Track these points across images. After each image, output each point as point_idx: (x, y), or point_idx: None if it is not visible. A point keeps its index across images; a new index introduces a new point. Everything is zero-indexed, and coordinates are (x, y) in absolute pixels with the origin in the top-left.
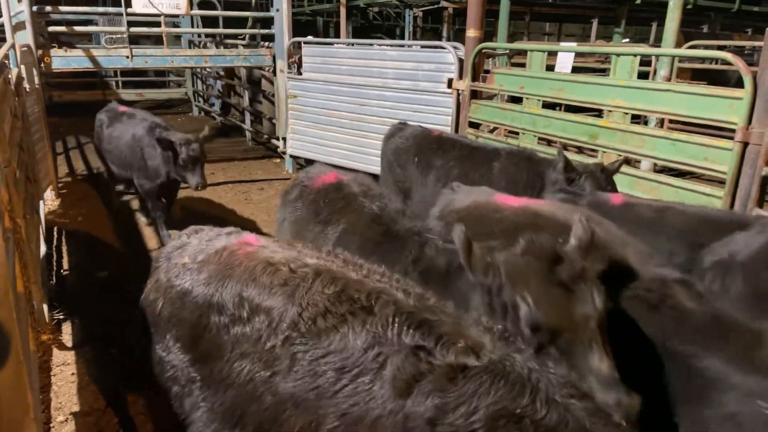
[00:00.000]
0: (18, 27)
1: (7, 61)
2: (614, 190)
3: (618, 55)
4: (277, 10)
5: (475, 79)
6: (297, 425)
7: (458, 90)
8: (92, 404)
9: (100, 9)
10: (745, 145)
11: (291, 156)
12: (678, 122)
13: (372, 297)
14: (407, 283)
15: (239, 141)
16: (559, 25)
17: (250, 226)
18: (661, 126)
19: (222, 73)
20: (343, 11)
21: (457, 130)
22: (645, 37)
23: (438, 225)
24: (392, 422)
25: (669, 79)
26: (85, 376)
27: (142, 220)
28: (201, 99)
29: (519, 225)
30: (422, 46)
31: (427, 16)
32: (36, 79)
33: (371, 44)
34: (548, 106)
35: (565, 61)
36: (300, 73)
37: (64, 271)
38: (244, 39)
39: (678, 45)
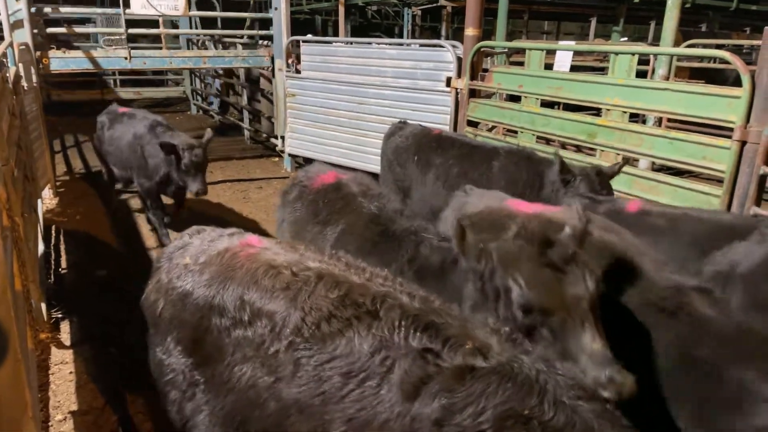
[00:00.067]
0: (16, 25)
1: (4, 60)
2: (610, 193)
3: (616, 53)
4: (276, 9)
5: (473, 77)
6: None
7: (457, 88)
8: (91, 403)
9: (99, 10)
10: (743, 143)
11: (289, 155)
12: (676, 121)
13: (377, 301)
14: (410, 286)
15: (238, 140)
16: (558, 23)
17: (248, 224)
18: (660, 125)
19: (220, 71)
20: (341, 10)
21: (455, 129)
22: (643, 36)
23: (449, 229)
24: (400, 425)
25: (667, 78)
26: (83, 374)
27: (140, 218)
28: (199, 97)
29: None
30: (421, 45)
31: (426, 15)
32: (34, 78)
33: (370, 43)
34: (547, 104)
35: (563, 60)
36: (298, 72)
37: (63, 269)
38: (242, 37)
39: (676, 44)
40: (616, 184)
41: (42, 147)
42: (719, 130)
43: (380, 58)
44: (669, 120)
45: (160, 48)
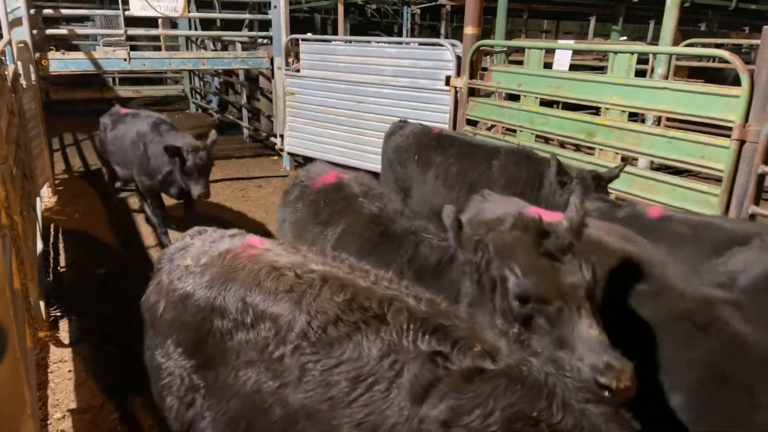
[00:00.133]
0: (14, 23)
1: (3, 58)
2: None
3: (615, 52)
4: (275, 7)
5: (472, 76)
6: None
7: (456, 87)
8: (89, 401)
9: (98, 11)
10: (742, 142)
11: (288, 153)
12: (675, 120)
13: (384, 304)
14: (416, 288)
15: (237, 138)
16: (557, 22)
17: (247, 223)
18: (659, 124)
19: (220, 71)
20: (340, 8)
21: (454, 128)
22: (642, 35)
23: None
24: (408, 428)
25: (666, 77)
26: (82, 373)
27: (139, 217)
28: (198, 96)
29: None
30: (420, 44)
31: (425, 14)
32: (33, 76)
33: (369, 41)
34: (546, 103)
35: (562, 59)
36: (297, 71)
37: (61, 268)
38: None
39: (675, 43)
40: (615, 183)
41: (41, 145)
42: (718, 129)
43: (379, 57)
44: (668, 119)
45: (159, 47)
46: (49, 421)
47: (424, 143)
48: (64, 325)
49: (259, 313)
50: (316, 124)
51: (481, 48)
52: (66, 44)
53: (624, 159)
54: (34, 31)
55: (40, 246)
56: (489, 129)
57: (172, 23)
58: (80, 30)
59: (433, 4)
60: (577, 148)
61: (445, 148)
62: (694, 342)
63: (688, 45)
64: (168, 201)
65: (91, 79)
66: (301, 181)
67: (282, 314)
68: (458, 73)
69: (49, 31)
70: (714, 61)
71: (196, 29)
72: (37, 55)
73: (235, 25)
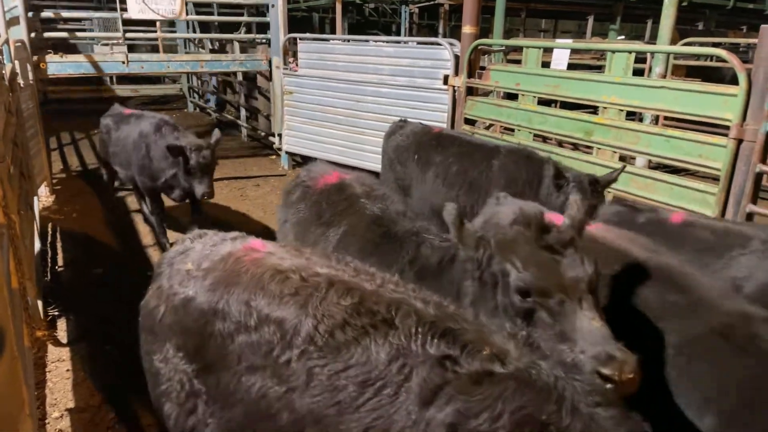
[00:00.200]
0: (12, 22)
1: (0, 57)
2: (602, 201)
3: (613, 52)
4: (273, 6)
5: (471, 75)
6: None
7: (454, 86)
8: (87, 400)
9: (96, 14)
10: (740, 141)
11: (287, 152)
12: (673, 119)
13: (392, 308)
14: (424, 292)
15: (235, 137)
16: (555, 21)
17: (246, 222)
18: (656, 123)
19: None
20: (339, 7)
21: (453, 127)
22: (640, 34)
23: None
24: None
25: (664, 76)
26: (80, 372)
27: (137, 216)
28: (196, 95)
29: None
30: (418, 43)
31: (423, 13)
32: (30, 75)
33: (367, 41)
34: (544, 102)
35: (560, 58)
36: (295, 71)
37: (59, 267)
38: (239, 33)
39: (673, 42)
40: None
41: (38, 144)
42: (716, 128)
43: (377, 56)
44: (666, 118)
45: (157, 47)
46: (47, 421)
47: (424, 142)
48: (62, 325)
49: (263, 316)
50: (314, 123)
51: (480, 47)
52: (64, 45)
53: (622, 158)
54: (32, 34)
55: (37, 245)
56: (487, 128)
57: (170, 23)
58: (80, 33)
59: (432, 3)
60: (575, 147)
61: (445, 148)
62: (731, 361)
63: (685, 44)
64: (168, 201)
65: (89, 78)
66: (303, 182)
67: (288, 318)
68: (456, 72)
69: (47, 34)
70: (711, 60)
71: (194, 31)
72: (35, 58)
73: (233, 26)
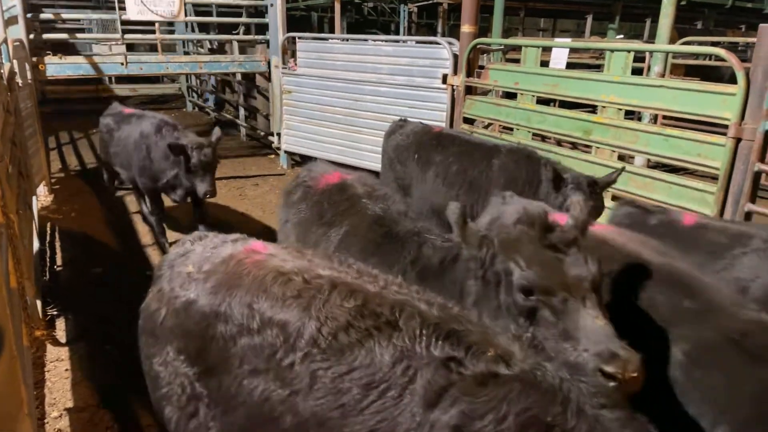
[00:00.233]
0: (10, 21)
1: None
2: (600, 203)
3: (612, 51)
4: (271, 5)
5: (469, 74)
6: None
7: (453, 86)
8: (86, 400)
9: (95, 15)
10: (738, 140)
11: (285, 152)
12: (671, 118)
13: (396, 310)
14: (427, 293)
15: (233, 137)
16: (554, 21)
17: (245, 221)
18: (655, 122)
19: None
20: (337, 6)
21: (451, 126)
22: (639, 34)
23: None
24: None
25: (663, 75)
26: (79, 372)
27: (136, 216)
28: (195, 94)
29: None
30: (417, 42)
31: (422, 12)
32: (29, 74)
33: (366, 40)
34: (542, 102)
35: (559, 57)
36: (294, 69)
37: (58, 266)
38: (238, 33)
39: (672, 41)
40: None
41: (37, 144)
42: (714, 127)
43: (376, 55)
44: (664, 117)
45: (156, 49)
46: (46, 420)
47: (424, 142)
48: (60, 324)
49: (266, 319)
50: (313, 123)
51: (478, 46)
52: (63, 46)
53: (621, 157)
54: (31, 35)
55: (36, 245)
56: (486, 127)
57: (169, 24)
58: (78, 35)
59: (430, 2)
60: (574, 146)
61: (445, 147)
62: (746, 370)
63: (684, 43)
64: (168, 201)
65: (88, 77)
66: (304, 182)
67: (291, 321)
68: (455, 72)
69: (45, 36)
70: (710, 59)
71: (193, 31)
72: (34, 59)
73: (232, 27)
